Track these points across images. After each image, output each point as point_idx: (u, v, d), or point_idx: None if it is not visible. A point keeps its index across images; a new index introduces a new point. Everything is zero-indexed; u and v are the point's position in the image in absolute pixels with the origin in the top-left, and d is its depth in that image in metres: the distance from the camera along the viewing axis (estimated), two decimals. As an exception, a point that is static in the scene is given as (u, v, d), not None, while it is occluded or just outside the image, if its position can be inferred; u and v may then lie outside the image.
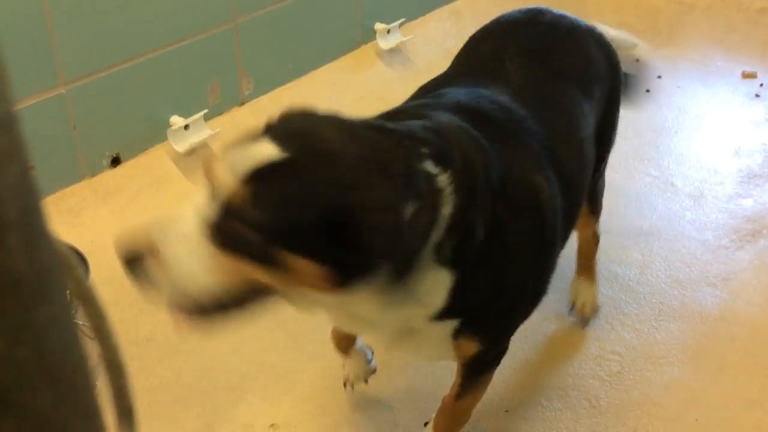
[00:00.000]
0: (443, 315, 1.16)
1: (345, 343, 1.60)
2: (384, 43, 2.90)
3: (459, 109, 1.26)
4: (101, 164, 2.22)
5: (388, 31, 2.92)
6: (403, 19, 2.97)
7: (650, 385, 1.72)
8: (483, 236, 1.11)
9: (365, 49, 2.89)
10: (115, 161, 2.25)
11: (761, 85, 2.93)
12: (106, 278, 1.94)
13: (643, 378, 1.74)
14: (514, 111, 1.32)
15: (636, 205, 1.85)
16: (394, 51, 2.94)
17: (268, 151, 0.94)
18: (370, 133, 1.04)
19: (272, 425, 1.62)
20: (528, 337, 1.85)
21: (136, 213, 2.19)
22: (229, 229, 0.94)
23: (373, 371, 1.66)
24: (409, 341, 1.23)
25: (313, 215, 0.93)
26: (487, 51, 1.48)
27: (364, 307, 1.07)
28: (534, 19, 1.55)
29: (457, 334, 1.20)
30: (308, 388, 1.71)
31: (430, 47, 3.04)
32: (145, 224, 0.98)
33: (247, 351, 1.78)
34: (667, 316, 1.91)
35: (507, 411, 1.66)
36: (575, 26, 1.57)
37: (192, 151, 2.33)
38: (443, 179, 1.05)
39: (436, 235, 1.05)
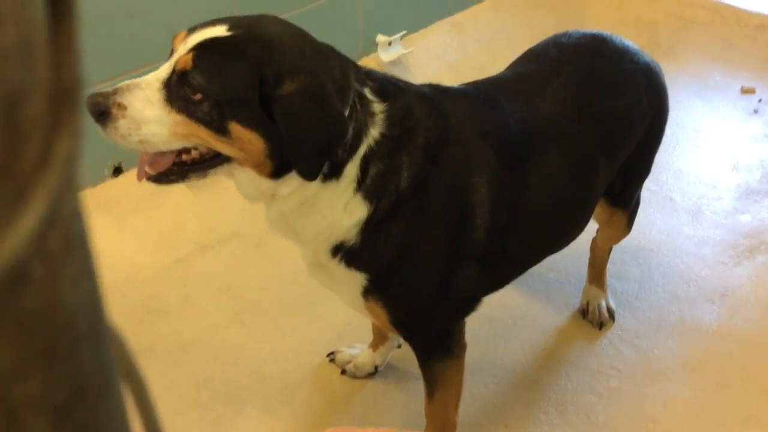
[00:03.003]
0: (352, 258, 1.26)
1: (379, 340, 1.73)
2: (385, 55, 2.91)
3: (461, 95, 1.38)
4: (103, 174, 2.23)
5: (390, 44, 2.93)
6: (404, 32, 2.98)
7: (648, 401, 1.73)
8: (406, 187, 1.22)
9: (366, 62, 2.91)
10: (117, 171, 2.26)
11: (760, 100, 2.95)
12: (107, 288, 1.91)
13: (641, 394, 1.75)
14: (511, 129, 1.36)
15: (636, 220, 1.86)
16: (394, 63, 2.95)
17: (217, 31, 1.14)
18: (325, 48, 1.20)
19: (271, 437, 1.62)
20: (526, 351, 1.86)
21: (137, 222, 2.20)
22: (179, 92, 1.12)
23: (371, 374, 1.76)
24: (326, 276, 1.34)
25: (242, 83, 1.10)
26: (537, 69, 1.49)
27: (289, 203, 1.22)
28: (595, 50, 1.55)
29: (366, 292, 1.30)
30: (307, 400, 1.71)
31: (430, 60, 3.06)
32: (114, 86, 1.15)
33: (246, 363, 1.79)
34: (666, 331, 1.91)
35: (506, 426, 1.67)
36: (633, 66, 1.57)
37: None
38: (378, 107, 1.21)
39: (358, 151, 1.18)
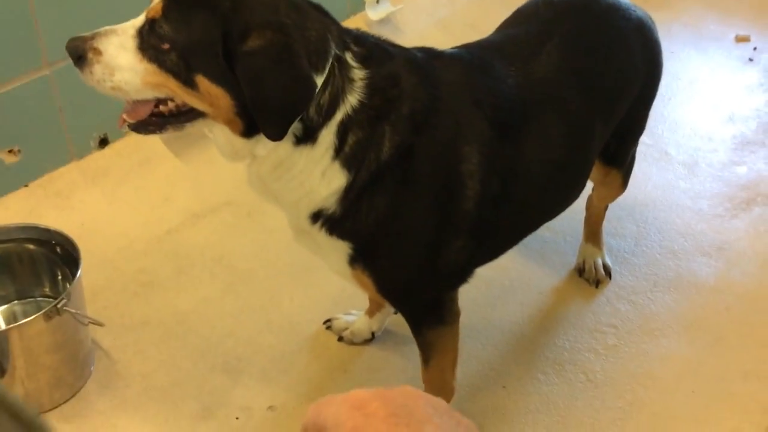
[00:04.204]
0: (334, 226, 1.24)
1: (375, 306, 1.72)
2: (373, 13, 2.85)
3: (453, 61, 1.34)
4: (89, 146, 2.19)
5: (378, 1, 2.86)
6: (392, -12, 2.91)
7: (646, 358, 1.73)
8: (388, 157, 1.19)
9: (354, 21, 2.84)
10: (103, 142, 2.22)
11: (755, 48, 2.90)
12: (98, 262, 1.93)
13: (639, 350, 1.75)
14: (506, 96, 1.32)
15: (631, 175, 1.84)
16: (383, 21, 2.89)
17: None
18: (307, 7, 1.17)
19: (270, 407, 1.62)
20: (523, 312, 1.85)
21: (126, 194, 2.16)
22: (150, 40, 1.12)
23: (368, 341, 1.75)
24: (311, 242, 1.33)
25: (206, 35, 1.09)
26: (530, 31, 1.45)
27: (265, 164, 1.20)
28: (586, 7, 1.51)
29: (352, 261, 1.29)
30: (305, 368, 1.71)
31: (420, 17, 2.99)
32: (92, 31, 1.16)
33: (242, 333, 1.78)
34: (663, 287, 1.91)
35: (504, 387, 1.67)
36: (625, 23, 1.54)
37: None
38: (358, 74, 1.18)
39: (334, 117, 1.15)
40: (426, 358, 1.46)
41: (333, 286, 1.85)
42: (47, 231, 1.67)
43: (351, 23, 2.84)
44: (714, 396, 1.64)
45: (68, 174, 2.14)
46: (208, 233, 2.07)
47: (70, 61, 1.17)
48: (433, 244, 1.30)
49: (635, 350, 1.75)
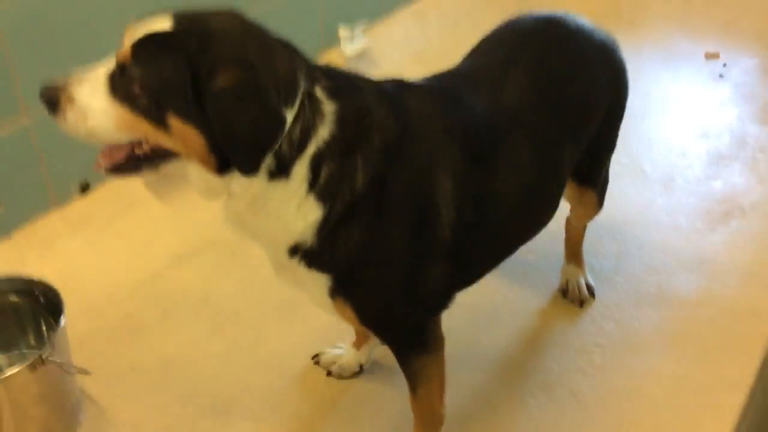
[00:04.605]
0: (312, 259, 1.26)
1: (362, 338, 1.74)
2: (348, 48, 2.89)
3: (422, 91, 1.37)
4: (70, 192, 2.20)
5: (352, 37, 2.91)
6: (366, 20, 2.96)
7: (633, 375, 1.74)
8: (362, 188, 1.21)
9: (329, 56, 2.88)
10: (85, 188, 2.23)
11: (724, 65, 2.96)
12: (84, 309, 1.92)
13: (625, 368, 1.76)
14: (476, 123, 1.35)
15: (609, 194, 1.86)
16: (359, 56, 2.93)
17: (161, 24, 1.15)
18: (275, 43, 1.19)
19: (261, 446, 1.61)
20: (510, 336, 1.86)
21: (109, 239, 2.17)
22: (122, 84, 1.15)
23: (357, 373, 1.75)
24: (292, 277, 1.34)
25: (175, 76, 1.11)
26: (496, 59, 1.49)
27: (241, 201, 1.22)
28: (550, 34, 1.55)
29: (332, 293, 1.31)
30: (295, 406, 1.70)
31: (395, 50, 3.04)
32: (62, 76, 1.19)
33: (231, 374, 1.77)
34: (646, 304, 1.92)
35: (495, 413, 1.67)
36: (589, 45, 1.58)
37: (163, 174, 2.30)
38: (328, 107, 1.20)
39: (306, 151, 1.18)
40: (413, 387, 1.47)
41: (320, 321, 1.86)
42: (30, 281, 1.67)
43: (326, 58, 2.88)
44: (702, 408, 1.65)
45: (50, 222, 2.15)
46: (192, 275, 2.07)
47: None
48: (411, 272, 1.32)
49: (622, 368, 1.76)
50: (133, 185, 2.28)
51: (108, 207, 2.23)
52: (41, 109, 1.20)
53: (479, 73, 1.47)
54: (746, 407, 1.66)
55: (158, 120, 1.14)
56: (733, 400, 1.66)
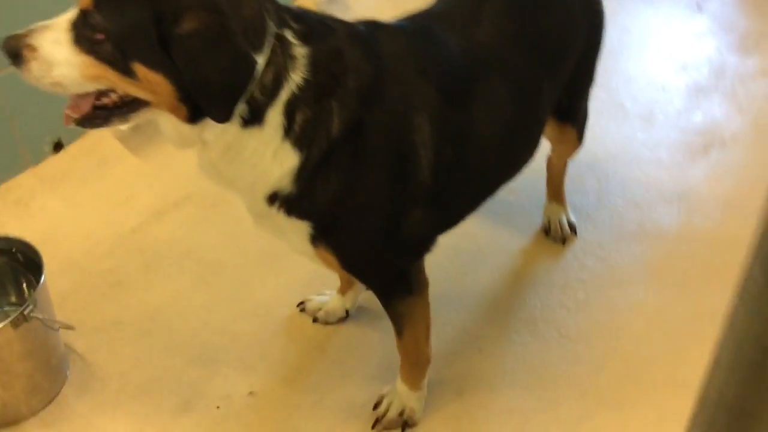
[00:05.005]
0: (291, 207, 1.25)
1: (346, 284, 1.74)
2: (321, -8, 2.82)
3: (396, 32, 1.33)
4: (43, 151, 2.16)
5: (325, -20, 2.84)
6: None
7: (616, 309, 1.76)
8: (338, 133, 1.20)
9: (303, 1, 2.82)
10: (58, 146, 2.19)
11: (702, -4, 2.93)
12: (64, 267, 1.91)
13: (608, 302, 1.77)
14: (451, 62, 1.32)
15: (590, 131, 1.85)
16: (332, 0, 2.86)
17: None
18: None
19: (250, 393, 1.62)
20: (494, 275, 1.87)
21: (86, 196, 2.14)
22: (85, 32, 1.11)
23: (343, 319, 1.76)
24: (271, 225, 1.33)
25: (139, 21, 1.07)
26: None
27: (215, 149, 1.19)
28: None
29: (313, 240, 1.30)
30: (282, 352, 1.71)
31: (368, -8, 2.97)
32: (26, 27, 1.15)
33: (217, 323, 1.77)
34: (628, 239, 1.93)
35: (480, 350, 1.69)
36: None
37: (137, 128, 2.26)
38: (300, 51, 1.17)
39: (279, 96, 1.15)
40: (399, 330, 1.48)
41: (303, 269, 1.85)
42: (7, 239, 1.65)
43: (298, 2, 2.81)
44: (684, 339, 1.67)
45: (26, 181, 2.11)
46: (173, 228, 2.05)
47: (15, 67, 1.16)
48: (391, 216, 1.31)
49: (605, 302, 1.77)
50: (108, 141, 2.26)
51: (83, 164, 2.20)
52: (9, 69, 1.16)
53: (453, 12, 1.43)
54: (726, 335, 1.68)
55: (124, 68, 1.11)
56: (713, 329, 1.68)
